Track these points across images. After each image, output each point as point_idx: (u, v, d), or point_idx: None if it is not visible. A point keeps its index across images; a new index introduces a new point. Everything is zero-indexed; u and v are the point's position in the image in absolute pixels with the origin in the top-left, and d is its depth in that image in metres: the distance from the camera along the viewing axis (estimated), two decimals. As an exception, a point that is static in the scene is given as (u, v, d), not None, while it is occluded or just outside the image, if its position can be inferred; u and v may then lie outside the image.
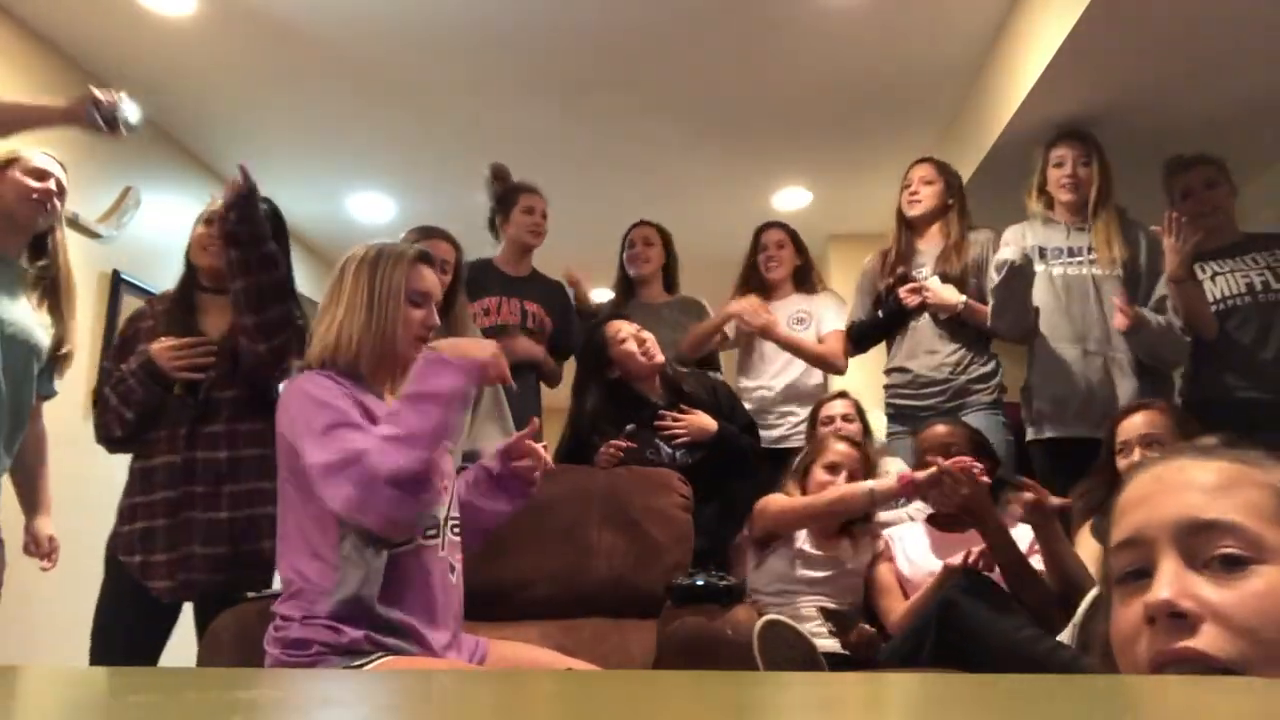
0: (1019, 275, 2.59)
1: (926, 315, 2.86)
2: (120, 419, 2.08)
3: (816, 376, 3.13)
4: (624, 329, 2.57)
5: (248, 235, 2.00)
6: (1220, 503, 0.65)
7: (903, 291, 2.82)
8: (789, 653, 1.80)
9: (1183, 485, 0.68)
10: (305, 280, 5.28)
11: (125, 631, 2.07)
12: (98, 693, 0.41)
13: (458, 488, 1.76)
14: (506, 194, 3.07)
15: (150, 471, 2.08)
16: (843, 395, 2.88)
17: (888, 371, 2.98)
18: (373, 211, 4.88)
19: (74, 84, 3.48)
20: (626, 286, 3.27)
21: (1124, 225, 2.75)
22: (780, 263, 3.19)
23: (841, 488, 2.19)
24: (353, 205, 4.84)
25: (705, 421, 2.48)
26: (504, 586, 2.18)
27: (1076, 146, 2.82)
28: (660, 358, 2.57)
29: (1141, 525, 0.68)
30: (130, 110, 2.17)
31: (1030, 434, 2.77)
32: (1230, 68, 2.95)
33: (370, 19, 3.29)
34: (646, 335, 2.57)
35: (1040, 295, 2.73)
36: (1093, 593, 1.74)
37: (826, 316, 3.12)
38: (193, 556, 2.03)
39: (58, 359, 2.27)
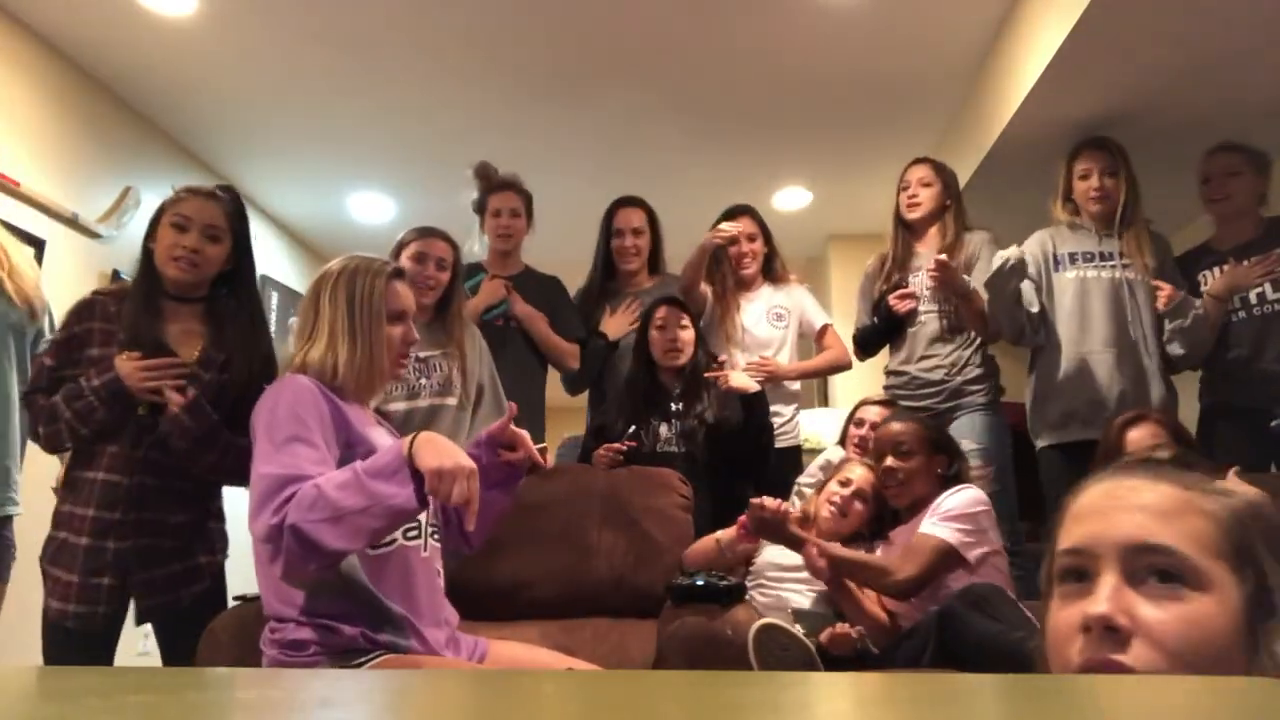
0: (1011, 274, 2.59)
1: (926, 318, 2.86)
2: (74, 434, 1.89)
3: (793, 385, 3.07)
4: (666, 317, 2.64)
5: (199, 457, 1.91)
6: (1167, 528, 0.71)
7: (891, 299, 2.83)
8: (783, 655, 1.80)
9: (1134, 506, 0.73)
10: (304, 281, 5.30)
11: (74, 636, 1.91)
12: (97, 692, 0.41)
13: None
14: (481, 198, 3.02)
15: (88, 484, 1.91)
16: (887, 404, 2.83)
17: (887, 373, 2.99)
18: (373, 211, 4.88)
19: (74, 84, 3.49)
20: (608, 267, 3.06)
21: (1152, 236, 2.76)
22: (755, 257, 3.06)
23: (700, 543, 2.27)
24: (353, 205, 4.84)
25: (747, 381, 2.58)
26: (504, 586, 2.18)
27: (1102, 158, 2.79)
28: (678, 363, 2.61)
29: (1092, 537, 0.73)
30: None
31: (1051, 438, 2.70)
32: (1230, 68, 2.95)
33: (370, 18, 3.29)
34: (679, 337, 2.62)
35: (1069, 299, 2.71)
36: None
37: (811, 313, 3.09)
38: (122, 583, 1.90)
39: (33, 314, 2.22)
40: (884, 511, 2.31)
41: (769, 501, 2.03)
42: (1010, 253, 2.58)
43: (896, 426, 2.29)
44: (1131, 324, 2.65)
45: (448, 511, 1.74)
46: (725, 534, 2.21)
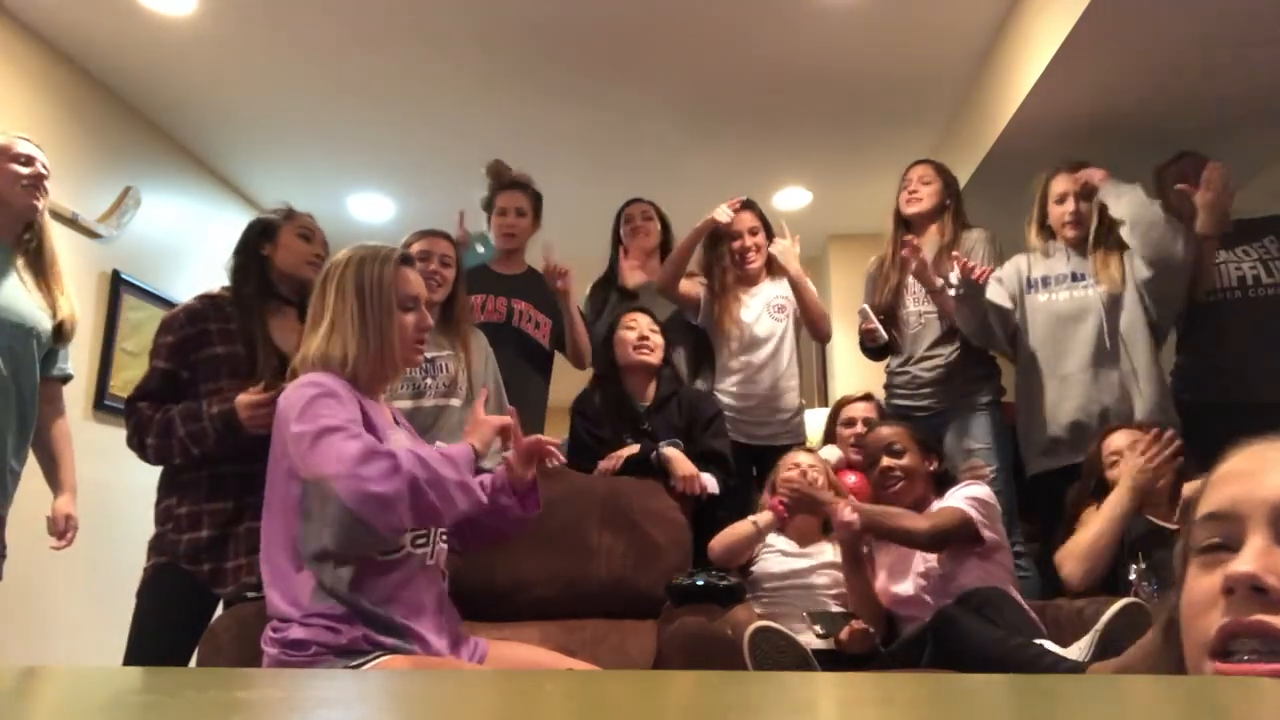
0: (964, 298, 2.60)
1: (926, 318, 2.87)
2: (185, 453, 2.02)
3: (792, 380, 3.01)
4: (637, 320, 2.62)
5: None
6: None
7: (861, 329, 2.88)
8: (779, 658, 1.80)
9: None
10: (305, 280, 5.30)
11: (180, 639, 2.01)
12: (96, 693, 0.41)
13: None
14: (490, 196, 3.05)
15: (221, 479, 2.07)
16: (866, 398, 2.84)
17: (888, 372, 3.00)
18: (373, 211, 4.88)
19: (74, 84, 3.49)
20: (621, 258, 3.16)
21: (1123, 252, 2.70)
22: (759, 251, 3.03)
23: (733, 527, 2.30)
24: (353, 205, 4.84)
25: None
26: (505, 587, 2.18)
27: (1077, 181, 2.73)
28: (648, 360, 2.58)
29: (1236, 500, 0.65)
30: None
31: (1040, 465, 2.65)
32: (1230, 67, 2.95)
33: (370, 18, 3.29)
34: (650, 336, 2.59)
35: (1042, 324, 2.69)
36: (1121, 603, 1.75)
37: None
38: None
39: (62, 335, 2.29)
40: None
41: (798, 473, 2.18)
42: (952, 279, 2.59)
43: (884, 430, 2.35)
44: (1107, 341, 2.60)
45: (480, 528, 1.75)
46: (762, 517, 2.27)
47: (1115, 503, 2.12)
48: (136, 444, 2.07)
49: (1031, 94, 3.11)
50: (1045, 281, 2.73)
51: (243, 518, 2.05)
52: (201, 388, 2.09)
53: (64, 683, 0.47)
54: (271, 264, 2.21)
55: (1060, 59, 2.89)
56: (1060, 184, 2.76)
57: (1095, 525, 2.12)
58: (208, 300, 2.18)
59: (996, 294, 2.74)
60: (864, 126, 4.05)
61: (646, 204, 3.23)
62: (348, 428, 1.41)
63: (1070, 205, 2.72)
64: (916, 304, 2.90)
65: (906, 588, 2.18)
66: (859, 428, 2.73)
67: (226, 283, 2.24)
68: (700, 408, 2.62)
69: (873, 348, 2.98)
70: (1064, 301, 2.69)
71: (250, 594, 1.92)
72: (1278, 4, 2.63)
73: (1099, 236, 2.71)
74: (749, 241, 2.99)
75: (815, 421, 4.21)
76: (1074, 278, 2.70)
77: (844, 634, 1.98)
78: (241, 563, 2.04)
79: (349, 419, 1.43)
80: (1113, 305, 2.63)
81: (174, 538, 2.05)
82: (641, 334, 2.58)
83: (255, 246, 2.22)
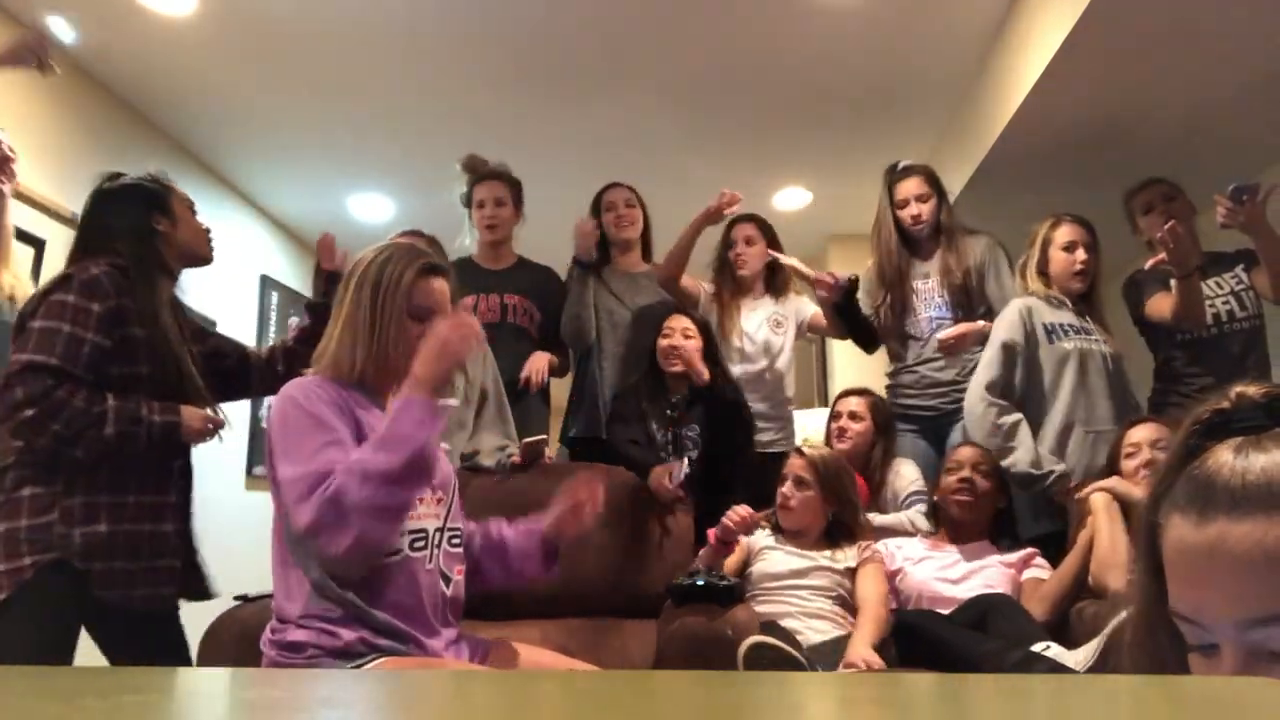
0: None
1: (938, 321, 2.84)
2: (101, 449, 1.76)
3: (789, 391, 3.01)
4: (677, 325, 2.60)
5: None
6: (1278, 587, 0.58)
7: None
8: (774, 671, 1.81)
9: (1234, 569, 0.59)
10: (304, 281, 5.29)
11: (63, 643, 1.81)
12: (97, 692, 0.41)
13: (477, 537, 1.74)
14: (467, 190, 3.00)
15: (122, 471, 1.86)
16: (860, 393, 2.82)
17: (896, 372, 2.96)
18: (373, 211, 4.88)
19: (74, 84, 3.49)
20: (602, 253, 3.03)
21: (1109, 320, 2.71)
22: (758, 259, 3.00)
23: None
24: (353, 205, 4.84)
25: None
26: (505, 587, 2.18)
27: (1085, 233, 2.66)
28: (677, 369, 2.55)
29: (1198, 609, 0.62)
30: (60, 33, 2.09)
31: (1041, 526, 2.53)
32: (1230, 70, 2.95)
33: (370, 18, 3.29)
34: (684, 345, 2.55)
35: (1070, 372, 2.55)
36: (1122, 615, 1.75)
37: (806, 309, 3.04)
38: (176, 566, 1.96)
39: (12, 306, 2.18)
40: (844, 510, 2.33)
41: (735, 514, 2.09)
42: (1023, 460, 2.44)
43: (976, 451, 2.41)
44: (1111, 396, 2.53)
45: (509, 559, 1.73)
46: (703, 551, 2.19)
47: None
48: (15, 408, 1.70)
49: (1030, 96, 3.11)
50: (1064, 330, 2.58)
51: (142, 518, 1.87)
52: (114, 370, 1.83)
53: (60, 682, 0.47)
54: (168, 240, 1.98)
55: (1059, 61, 2.89)
56: (1067, 232, 2.66)
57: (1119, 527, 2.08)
58: (117, 272, 1.88)
59: (1009, 333, 2.59)
60: (863, 127, 4.05)
61: (626, 189, 3.07)
62: (306, 480, 1.36)
63: (1081, 255, 2.63)
64: (928, 310, 2.87)
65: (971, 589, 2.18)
66: (844, 421, 2.72)
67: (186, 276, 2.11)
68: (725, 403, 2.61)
69: (853, 328, 2.92)
70: (1087, 351, 2.56)
71: (252, 595, 1.92)
72: (1275, 5, 2.63)
73: (1096, 291, 2.67)
74: (741, 249, 2.99)
75: (815, 422, 4.22)
76: (1085, 331, 2.60)
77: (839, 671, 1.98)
78: (138, 566, 1.84)
79: (319, 447, 1.39)
80: (1114, 363, 2.58)
81: (63, 530, 1.75)
82: (674, 344, 2.57)
83: (148, 219, 1.97)
